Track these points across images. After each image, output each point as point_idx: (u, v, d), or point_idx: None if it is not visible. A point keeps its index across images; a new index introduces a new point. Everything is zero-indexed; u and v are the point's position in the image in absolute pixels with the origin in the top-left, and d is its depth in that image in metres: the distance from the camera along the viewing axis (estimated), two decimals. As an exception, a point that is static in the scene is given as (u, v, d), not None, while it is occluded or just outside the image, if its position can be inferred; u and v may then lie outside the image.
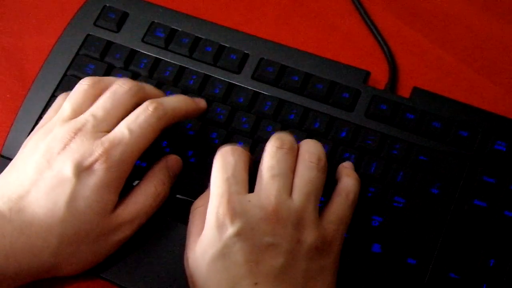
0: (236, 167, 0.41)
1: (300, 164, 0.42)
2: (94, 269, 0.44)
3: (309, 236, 0.39)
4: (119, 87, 0.44)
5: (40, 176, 0.41)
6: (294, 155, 0.42)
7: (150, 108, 0.43)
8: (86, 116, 0.42)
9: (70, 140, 0.41)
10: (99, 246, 0.42)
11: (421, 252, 0.44)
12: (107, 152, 0.41)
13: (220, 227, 0.39)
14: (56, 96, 0.48)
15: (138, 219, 0.43)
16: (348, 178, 0.43)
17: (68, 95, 0.45)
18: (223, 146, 0.43)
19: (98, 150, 0.41)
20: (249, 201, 0.40)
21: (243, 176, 0.41)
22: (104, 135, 0.42)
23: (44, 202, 0.40)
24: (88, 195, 0.40)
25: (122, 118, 0.43)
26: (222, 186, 0.40)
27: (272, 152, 0.42)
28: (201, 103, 0.47)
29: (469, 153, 0.46)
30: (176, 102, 0.45)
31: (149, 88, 0.46)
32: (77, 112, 0.43)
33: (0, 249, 0.39)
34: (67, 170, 0.40)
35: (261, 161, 0.42)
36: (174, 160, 0.46)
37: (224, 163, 0.41)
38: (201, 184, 0.46)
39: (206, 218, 0.40)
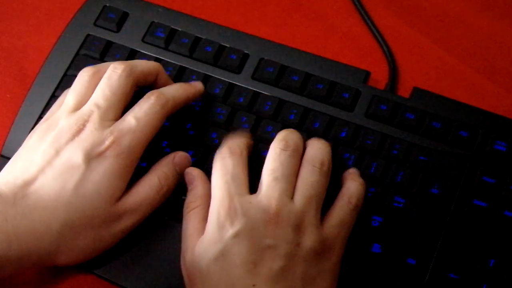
0: (235, 169, 0.42)
1: (303, 168, 0.42)
2: (93, 267, 0.44)
3: (309, 239, 0.39)
4: (112, 73, 0.44)
5: (48, 164, 0.41)
6: (298, 158, 0.42)
7: (152, 98, 0.44)
8: (90, 106, 0.43)
9: (79, 131, 0.42)
10: (101, 234, 0.42)
11: (421, 252, 0.44)
12: (117, 140, 0.42)
13: (221, 228, 0.39)
14: (57, 96, 0.48)
15: (141, 209, 0.43)
16: (352, 182, 0.43)
17: None
18: (220, 147, 0.43)
19: (109, 139, 0.42)
20: (250, 202, 0.40)
21: (242, 176, 0.42)
22: (112, 123, 0.43)
23: (51, 186, 0.41)
24: (97, 180, 0.41)
25: (124, 101, 0.44)
26: (222, 188, 0.41)
27: (275, 154, 0.42)
28: (198, 85, 0.48)
29: (469, 153, 0.46)
30: (175, 90, 0.46)
31: (141, 64, 0.46)
32: (81, 103, 0.44)
33: (3, 234, 0.39)
34: (77, 157, 0.41)
35: (265, 162, 0.42)
36: (182, 156, 0.46)
37: (222, 166, 0.42)
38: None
39: (208, 220, 0.41)
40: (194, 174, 0.45)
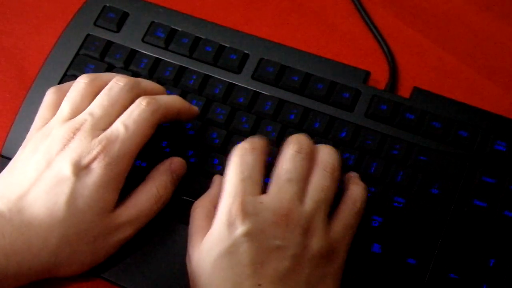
0: (254, 168, 0.41)
1: (315, 172, 0.42)
2: (95, 269, 0.44)
3: (316, 243, 0.39)
4: (115, 84, 0.44)
5: (40, 177, 0.41)
6: (311, 161, 0.42)
7: (143, 103, 0.43)
8: (84, 115, 0.42)
9: (69, 140, 0.41)
10: (98, 246, 0.42)
11: (421, 252, 0.44)
12: (104, 150, 0.41)
13: (231, 225, 0.39)
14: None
15: (139, 220, 0.43)
16: (355, 186, 0.43)
17: (58, 89, 0.45)
18: (242, 142, 0.42)
19: (96, 149, 0.41)
20: (262, 202, 0.40)
21: (259, 177, 0.41)
22: (102, 132, 0.42)
23: (44, 202, 0.40)
24: (87, 194, 0.40)
25: (120, 115, 0.43)
26: (237, 186, 0.40)
27: (290, 155, 0.42)
28: (194, 107, 0.47)
29: (469, 153, 0.46)
30: (169, 98, 0.45)
31: (145, 82, 0.46)
32: (76, 111, 0.43)
33: (0, 249, 0.39)
34: (66, 169, 0.40)
35: (278, 163, 0.42)
36: (179, 163, 0.45)
37: (242, 162, 0.41)
38: (201, 184, 0.46)
39: (216, 216, 0.40)
40: (214, 179, 0.45)
